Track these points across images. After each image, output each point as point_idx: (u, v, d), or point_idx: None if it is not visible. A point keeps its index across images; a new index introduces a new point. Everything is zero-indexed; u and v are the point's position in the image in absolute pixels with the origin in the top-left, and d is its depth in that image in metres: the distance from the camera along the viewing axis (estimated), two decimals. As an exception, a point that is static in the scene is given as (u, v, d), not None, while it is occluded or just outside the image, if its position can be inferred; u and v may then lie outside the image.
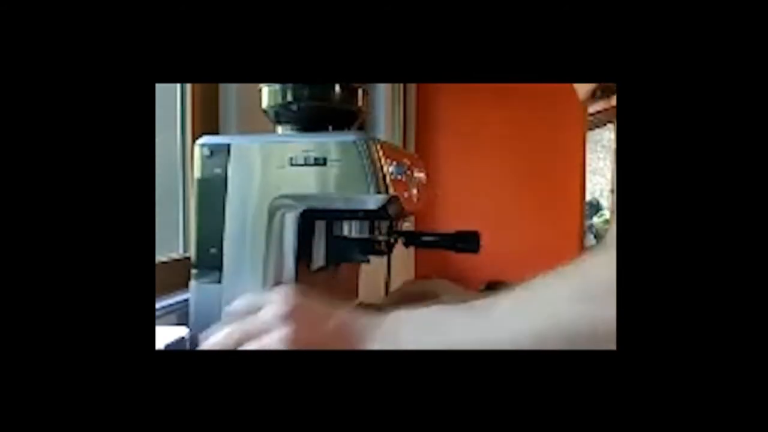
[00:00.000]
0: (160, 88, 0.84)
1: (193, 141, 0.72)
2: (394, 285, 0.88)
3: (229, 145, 0.69)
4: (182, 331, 0.62)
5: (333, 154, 0.64)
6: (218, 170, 0.68)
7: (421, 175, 0.82)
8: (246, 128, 0.95)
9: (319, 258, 0.72)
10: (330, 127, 0.73)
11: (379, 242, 0.73)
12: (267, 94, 0.73)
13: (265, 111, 0.74)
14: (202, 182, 0.70)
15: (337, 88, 0.72)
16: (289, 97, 0.71)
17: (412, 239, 0.79)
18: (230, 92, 0.96)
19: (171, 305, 0.77)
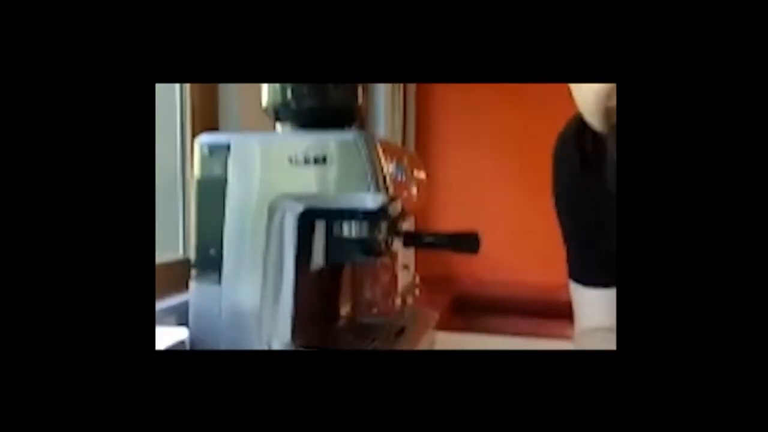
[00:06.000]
0: (160, 88, 0.84)
1: (193, 141, 0.72)
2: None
3: (228, 143, 0.68)
4: (182, 333, 0.62)
5: (333, 153, 0.63)
6: (218, 169, 0.68)
7: (421, 174, 0.82)
8: (246, 128, 0.94)
9: (319, 258, 0.72)
10: (330, 126, 0.73)
11: (379, 242, 0.73)
12: (267, 92, 0.72)
13: (265, 109, 0.74)
14: (202, 182, 0.69)
15: (337, 86, 0.72)
16: (289, 96, 0.71)
17: (412, 239, 0.78)
18: (230, 92, 0.96)
19: (171, 307, 0.77)
